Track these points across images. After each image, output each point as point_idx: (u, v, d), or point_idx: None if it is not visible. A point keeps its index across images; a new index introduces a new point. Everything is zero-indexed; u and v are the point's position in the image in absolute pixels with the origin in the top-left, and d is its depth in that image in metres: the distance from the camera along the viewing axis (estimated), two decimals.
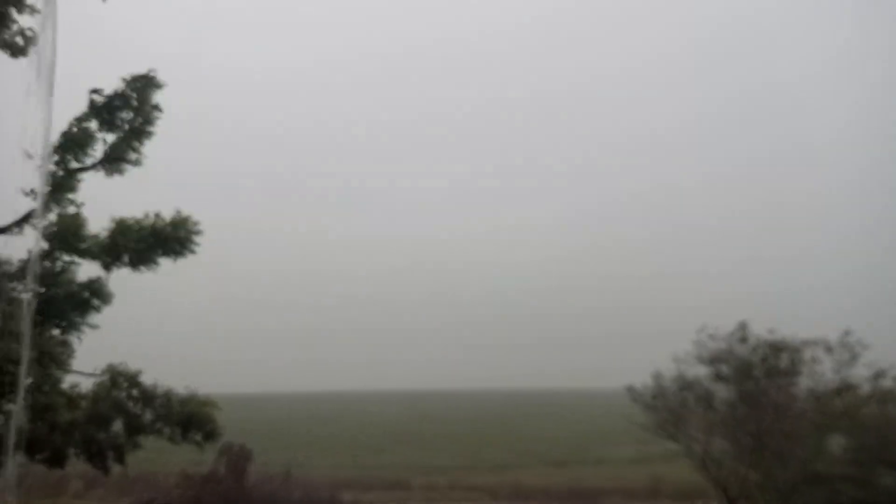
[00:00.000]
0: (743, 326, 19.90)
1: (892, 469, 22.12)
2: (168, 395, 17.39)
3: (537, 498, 30.28)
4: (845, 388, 19.85)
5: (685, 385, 20.03)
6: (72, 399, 16.75)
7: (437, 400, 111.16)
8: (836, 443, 22.06)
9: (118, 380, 17.91)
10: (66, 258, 16.64)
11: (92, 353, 17.76)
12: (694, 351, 20.11)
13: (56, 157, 15.89)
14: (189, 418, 17.18)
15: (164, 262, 16.53)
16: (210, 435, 17.52)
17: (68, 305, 16.57)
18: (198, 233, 16.46)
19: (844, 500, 22.43)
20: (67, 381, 17.23)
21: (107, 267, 16.51)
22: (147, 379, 17.75)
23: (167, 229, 16.07)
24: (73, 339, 17.16)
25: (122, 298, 17.15)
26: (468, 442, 49.61)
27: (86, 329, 17.25)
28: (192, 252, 16.39)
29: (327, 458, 41.24)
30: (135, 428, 17.66)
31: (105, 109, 16.04)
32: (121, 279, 16.67)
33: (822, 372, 19.77)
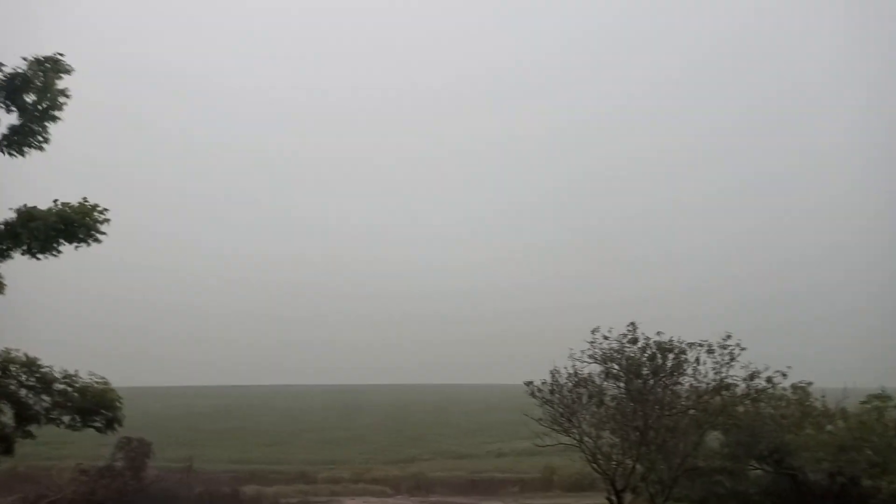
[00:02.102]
0: (633, 327, 21.12)
1: (762, 462, 24.19)
2: (68, 382, 17.02)
3: (439, 490, 31.08)
4: (723, 387, 21.36)
5: (579, 382, 21.06)
6: None
7: (343, 395, 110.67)
8: (714, 438, 23.87)
9: (8, 367, 17.32)
10: None
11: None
12: (588, 349, 21.18)
13: None
14: (90, 405, 16.89)
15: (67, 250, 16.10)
16: (112, 422, 17.27)
17: None
18: (104, 221, 16.13)
19: (720, 491, 24.33)
20: None
21: (1, 254, 15.92)
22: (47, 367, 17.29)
23: (73, 217, 15.68)
24: None
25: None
26: (372, 436, 49.92)
27: None
28: (98, 241, 16.06)
29: (231, 453, 40.68)
30: (26, 417, 17.15)
31: (4, 88, 15.46)
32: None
33: (703, 372, 21.20)
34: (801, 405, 24.02)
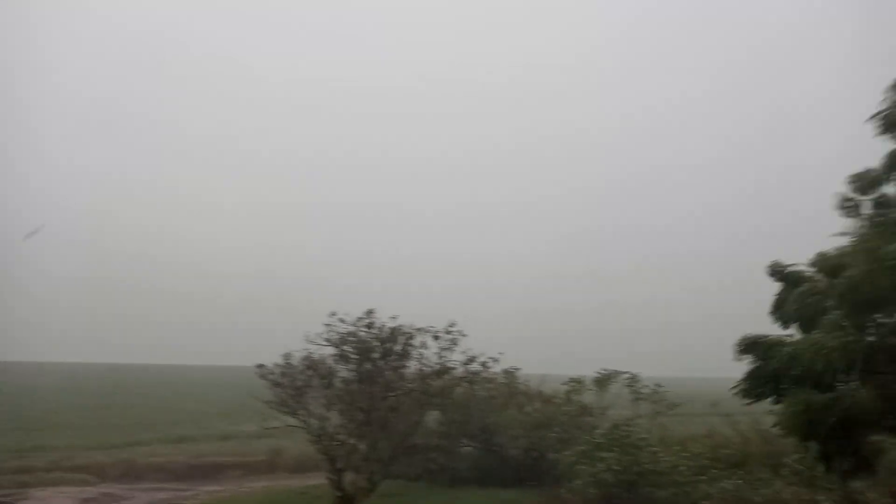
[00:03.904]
0: (370, 312, 21.84)
1: (473, 440, 26.65)
2: None
3: (152, 476, 28.98)
4: (444, 370, 23.02)
5: (311, 364, 21.28)
6: None
7: (46, 373, 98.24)
8: (433, 418, 25.68)
9: None
10: None
11: None
12: (325, 333, 21.45)
13: None
14: None
15: None
16: None
17: None
18: None
19: (434, 468, 26.29)
20: None
21: None
22: None
23: None
24: None
25: None
26: (80, 419, 44.96)
27: None
28: None
29: None
30: None
31: None
32: None
33: (428, 356, 22.61)
34: (508, 388, 26.91)
